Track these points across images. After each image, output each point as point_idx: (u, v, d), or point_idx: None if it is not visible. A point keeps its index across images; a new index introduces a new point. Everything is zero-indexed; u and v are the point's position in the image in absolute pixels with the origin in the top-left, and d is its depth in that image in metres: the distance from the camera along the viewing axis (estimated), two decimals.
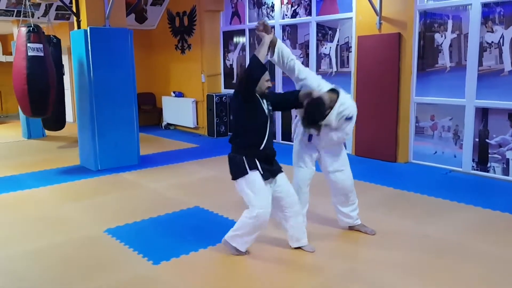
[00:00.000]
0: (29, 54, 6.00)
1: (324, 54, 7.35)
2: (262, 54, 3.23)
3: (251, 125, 3.26)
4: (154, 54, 10.85)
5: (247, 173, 3.22)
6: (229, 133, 9.04)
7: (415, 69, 6.22)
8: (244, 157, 3.24)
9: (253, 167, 3.23)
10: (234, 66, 9.13)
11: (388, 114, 6.38)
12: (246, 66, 3.31)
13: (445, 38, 5.91)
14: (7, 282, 3.10)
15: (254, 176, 3.23)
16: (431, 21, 6.04)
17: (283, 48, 3.52)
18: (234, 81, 9.07)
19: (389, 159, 6.43)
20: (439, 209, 4.46)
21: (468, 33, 5.64)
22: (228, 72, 9.30)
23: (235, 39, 9.04)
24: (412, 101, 6.28)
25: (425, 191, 4.98)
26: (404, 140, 6.35)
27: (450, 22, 5.85)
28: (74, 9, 6.45)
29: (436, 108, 6.08)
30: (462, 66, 5.76)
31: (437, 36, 5.99)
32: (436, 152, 6.15)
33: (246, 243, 3.37)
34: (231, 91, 8.78)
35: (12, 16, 8.82)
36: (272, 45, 3.45)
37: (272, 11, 8.11)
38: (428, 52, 6.11)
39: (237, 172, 3.27)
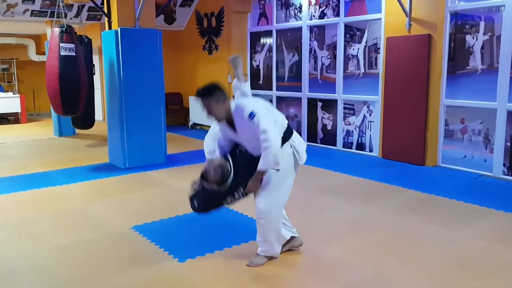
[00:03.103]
0: (62, 54, 6.17)
1: (352, 55, 7.30)
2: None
3: None
4: (182, 54, 10.97)
5: None
6: None
7: (445, 71, 6.11)
8: None
9: None
10: (261, 67, 9.15)
11: (416, 117, 6.29)
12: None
13: (476, 39, 5.79)
14: (36, 277, 3.19)
15: None
16: (462, 22, 5.92)
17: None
18: (261, 81, 9.09)
19: (417, 163, 6.34)
20: (467, 214, 4.37)
21: (500, 34, 5.52)
22: (254, 73, 9.32)
23: (262, 40, 9.06)
24: (441, 104, 6.17)
25: (453, 196, 4.89)
26: (433, 143, 6.25)
27: (482, 24, 5.72)
28: (105, 10, 6.59)
29: (466, 111, 5.96)
30: (494, 68, 5.63)
31: (468, 37, 5.87)
32: (465, 156, 6.02)
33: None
34: (258, 92, 8.82)
35: (46, 16, 9.08)
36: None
37: (300, 12, 8.09)
38: (458, 54, 6.00)
39: None
